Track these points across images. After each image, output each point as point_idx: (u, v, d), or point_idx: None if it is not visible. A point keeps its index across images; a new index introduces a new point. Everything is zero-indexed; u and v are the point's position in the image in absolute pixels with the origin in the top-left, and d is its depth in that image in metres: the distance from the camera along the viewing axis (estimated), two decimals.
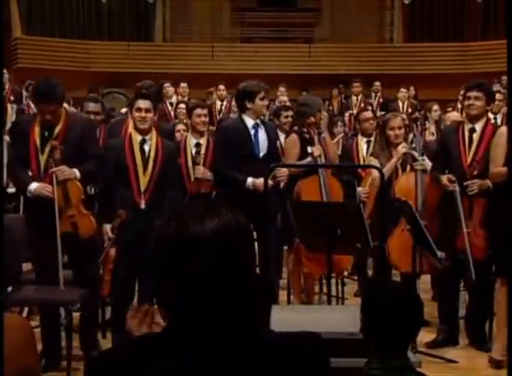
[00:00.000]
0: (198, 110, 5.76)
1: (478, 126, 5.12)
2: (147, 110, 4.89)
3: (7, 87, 11.65)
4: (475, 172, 4.95)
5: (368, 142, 6.27)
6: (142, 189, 4.83)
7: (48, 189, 4.45)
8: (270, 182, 5.17)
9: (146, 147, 4.89)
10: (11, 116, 6.14)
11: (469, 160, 5.06)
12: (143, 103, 4.88)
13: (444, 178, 5.00)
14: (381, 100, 11.98)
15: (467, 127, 5.14)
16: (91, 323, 4.74)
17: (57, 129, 4.55)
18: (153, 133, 4.95)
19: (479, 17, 15.10)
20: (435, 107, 8.80)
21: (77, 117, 4.89)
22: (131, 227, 4.69)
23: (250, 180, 5.38)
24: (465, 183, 4.94)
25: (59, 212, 4.42)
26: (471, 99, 5.09)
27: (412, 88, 11.67)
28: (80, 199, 4.52)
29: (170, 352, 1.39)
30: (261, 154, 5.54)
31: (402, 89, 11.26)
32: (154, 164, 4.87)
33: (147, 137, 4.90)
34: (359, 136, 6.45)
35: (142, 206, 4.80)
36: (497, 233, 4.81)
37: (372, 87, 12.34)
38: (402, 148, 5.43)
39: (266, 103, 5.72)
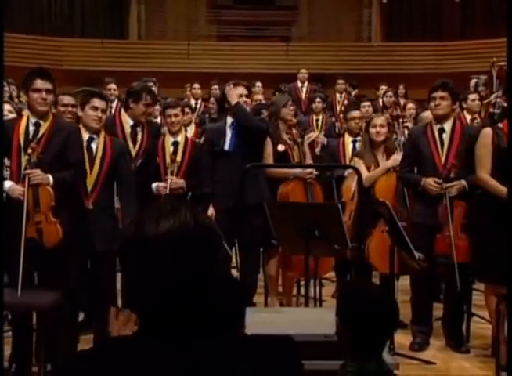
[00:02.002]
0: (169, 111, 5.79)
1: (447, 126, 5.17)
2: (103, 110, 4.90)
3: None
4: (452, 175, 4.99)
5: (354, 142, 6.27)
6: (89, 188, 4.81)
7: (19, 192, 4.42)
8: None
9: (94, 146, 4.86)
10: None
11: (442, 160, 5.09)
12: (99, 103, 4.86)
13: (430, 181, 5.02)
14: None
15: (436, 127, 5.18)
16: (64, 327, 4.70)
17: (42, 131, 4.53)
18: (102, 132, 4.93)
19: (457, 17, 15.24)
20: (409, 105, 8.89)
21: (64, 122, 4.85)
22: (80, 227, 4.67)
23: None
24: (443, 186, 4.97)
25: (26, 217, 4.38)
26: (437, 99, 5.15)
27: (401, 87, 11.67)
28: (49, 206, 4.46)
29: (137, 354, 1.38)
30: (233, 151, 5.57)
31: (383, 87, 11.25)
32: (101, 164, 4.83)
33: (95, 135, 4.87)
34: (346, 136, 6.43)
35: (90, 206, 4.78)
36: (480, 240, 4.86)
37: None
38: (392, 161, 5.46)
39: (244, 99, 5.72)
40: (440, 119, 5.17)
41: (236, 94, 5.59)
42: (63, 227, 4.51)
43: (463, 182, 4.96)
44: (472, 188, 4.98)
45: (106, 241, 4.67)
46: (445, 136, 5.15)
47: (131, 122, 5.64)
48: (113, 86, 9.67)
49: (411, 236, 4.87)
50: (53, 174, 4.48)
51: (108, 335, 1.66)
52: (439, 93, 5.15)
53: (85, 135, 4.86)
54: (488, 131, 4.86)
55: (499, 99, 8.42)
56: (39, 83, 4.51)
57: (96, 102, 4.79)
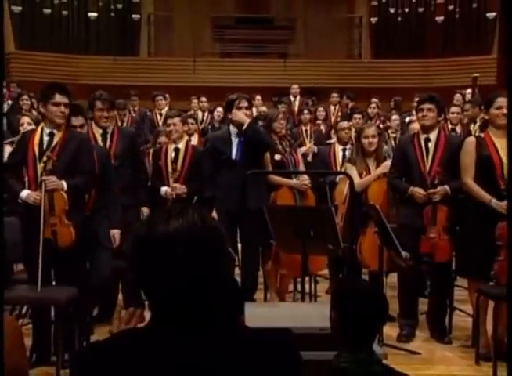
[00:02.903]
0: (169, 120, 5.86)
1: (433, 136, 5.17)
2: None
3: (6, 93, 11.62)
4: (436, 181, 4.99)
5: (344, 150, 6.28)
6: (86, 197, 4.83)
7: (35, 197, 4.42)
8: None
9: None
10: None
11: (427, 167, 5.09)
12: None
13: (418, 190, 5.01)
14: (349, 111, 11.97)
15: (422, 137, 5.18)
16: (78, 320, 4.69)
17: (56, 140, 4.53)
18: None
19: (439, 36, 15.23)
20: (394, 117, 8.93)
21: (76, 132, 4.84)
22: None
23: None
24: (428, 191, 4.97)
25: (42, 219, 4.38)
26: (424, 110, 5.15)
27: (392, 103, 11.68)
28: (64, 209, 4.46)
29: (146, 344, 1.38)
30: (239, 161, 5.57)
31: (374, 100, 11.23)
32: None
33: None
34: (336, 144, 6.45)
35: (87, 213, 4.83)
36: (464, 239, 4.85)
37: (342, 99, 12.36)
38: (383, 168, 5.45)
39: (245, 112, 5.72)
40: (426, 129, 5.18)
41: (243, 114, 5.62)
42: (76, 229, 4.52)
43: (447, 187, 4.96)
44: (454, 193, 4.98)
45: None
46: (431, 145, 5.15)
47: (100, 130, 5.53)
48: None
49: (398, 237, 4.88)
50: (67, 180, 4.49)
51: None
52: (426, 105, 5.15)
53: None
54: (471, 140, 4.87)
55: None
56: (58, 97, 4.49)
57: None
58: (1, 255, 1.43)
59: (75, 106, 5.10)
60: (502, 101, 4.77)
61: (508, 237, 4.27)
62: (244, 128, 5.57)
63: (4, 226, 1.42)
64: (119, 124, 8.20)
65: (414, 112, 9.95)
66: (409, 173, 5.15)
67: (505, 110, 4.78)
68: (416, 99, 10.20)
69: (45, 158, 4.45)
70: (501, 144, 4.74)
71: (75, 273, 4.56)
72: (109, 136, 5.45)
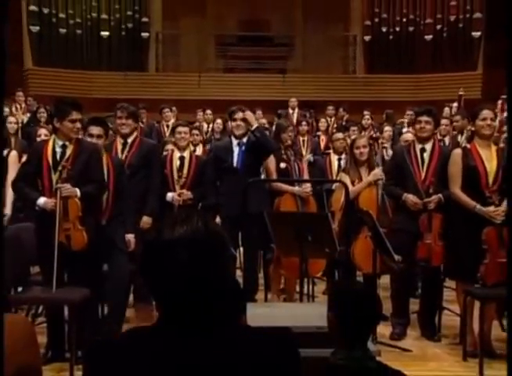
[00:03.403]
0: (179, 128, 5.88)
1: (428, 146, 5.17)
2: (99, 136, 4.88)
3: (23, 107, 11.66)
4: (431, 190, 4.98)
5: (339, 160, 6.28)
6: (104, 206, 4.83)
7: (52, 204, 4.43)
8: None
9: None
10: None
11: (422, 176, 5.09)
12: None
13: (411, 198, 5.00)
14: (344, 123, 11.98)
15: (418, 147, 5.17)
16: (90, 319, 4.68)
17: (68, 152, 4.54)
18: (105, 155, 4.90)
19: (428, 53, 15.28)
20: (386, 128, 8.95)
21: (86, 143, 4.84)
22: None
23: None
24: (424, 200, 4.96)
25: (57, 224, 4.38)
26: (422, 123, 5.14)
27: (384, 115, 11.69)
28: (77, 215, 4.47)
29: (151, 345, 1.38)
30: (240, 168, 5.58)
31: (366, 112, 11.24)
32: (108, 184, 4.83)
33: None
34: (331, 154, 6.45)
35: (103, 222, 4.83)
36: (453, 244, 4.84)
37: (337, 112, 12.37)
38: (373, 176, 5.44)
39: (237, 122, 5.74)
40: (423, 140, 5.17)
41: (252, 116, 5.79)
42: (88, 234, 4.52)
43: (441, 196, 4.95)
44: (447, 201, 4.97)
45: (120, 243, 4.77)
46: (426, 155, 5.14)
47: (122, 140, 5.55)
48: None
49: (393, 241, 4.87)
50: (80, 188, 4.49)
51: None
52: (424, 118, 5.14)
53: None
54: (458, 152, 4.87)
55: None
56: (75, 114, 4.52)
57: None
58: (1, 257, 1.41)
59: (97, 118, 5.17)
60: (486, 113, 4.77)
61: (508, 238, 4.26)
62: (252, 129, 5.65)
63: (4, 230, 1.41)
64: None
65: (406, 124, 10.02)
66: (405, 181, 5.12)
67: (489, 121, 4.79)
68: (410, 112, 10.31)
69: (60, 168, 4.46)
70: (486, 155, 4.75)
71: (87, 275, 4.56)
72: (128, 146, 5.46)
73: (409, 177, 5.09)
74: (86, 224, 4.51)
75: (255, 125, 5.73)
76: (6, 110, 9.11)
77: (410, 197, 5.01)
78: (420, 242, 4.97)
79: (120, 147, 5.46)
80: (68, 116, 4.49)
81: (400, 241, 4.98)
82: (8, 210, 5.44)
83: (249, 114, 5.73)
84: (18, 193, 4.88)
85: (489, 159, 4.74)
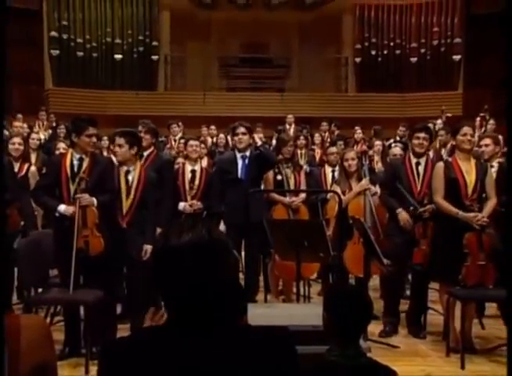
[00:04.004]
0: (191, 142, 5.92)
1: (423, 160, 5.17)
2: (120, 146, 4.85)
3: (45, 124, 11.69)
4: (425, 201, 4.98)
5: (333, 171, 6.28)
6: (124, 211, 4.77)
7: (72, 210, 4.43)
8: None
9: (130, 177, 4.82)
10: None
11: (418, 188, 5.08)
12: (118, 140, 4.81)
13: (404, 216, 4.99)
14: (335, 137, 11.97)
15: (413, 161, 5.16)
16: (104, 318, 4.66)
17: (85, 165, 4.55)
18: (138, 164, 4.88)
19: (413, 74, 15.32)
20: (377, 143, 8.95)
21: (100, 157, 4.86)
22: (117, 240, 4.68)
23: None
24: (420, 210, 4.94)
25: (76, 231, 4.39)
26: (420, 139, 5.14)
27: (373, 129, 11.71)
28: (94, 223, 4.47)
29: (161, 344, 1.38)
30: (244, 180, 5.58)
31: (357, 127, 11.25)
32: (135, 192, 4.78)
33: (131, 168, 4.83)
34: (326, 166, 6.44)
35: (124, 225, 4.76)
36: (436, 249, 4.84)
37: (331, 127, 12.39)
38: (359, 187, 5.42)
39: (239, 136, 5.74)
40: (419, 155, 5.17)
41: (258, 137, 5.93)
42: (105, 240, 4.51)
43: (433, 206, 4.94)
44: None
45: (137, 252, 4.65)
46: (421, 168, 5.13)
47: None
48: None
49: (387, 246, 4.86)
50: (96, 197, 4.50)
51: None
52: (422, 134, 5.14)
53: (124, 168, 4.84)
54: (440, 165, 4.87)
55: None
56: (91, 130, 4.53)
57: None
58: (1, 259, 1.40)
59: (127, 131, 5.18)
60: (466, 129, 4.78)
61: (507, 246, 4.22)
62: (258, 144, 5.75)
63: (6, 233, 1.41)
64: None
65: (398, 138, 10.02)
66: (401, 192, 5.09)
67: (469, 137, 4.80)
68: (403, 128, 10.32)
69: (77, 179, 4.47)
70: (466, 167, 4.76)
71: (103, 278, 4.55)
72: (143, 159, 5.45)
73: (406, 189, 5.08)
74: (103, 231, 4.52)
75: (260, 142, 5.78)
76: (24, 125, 9.12)
77: (404, 215, 5.00)
78: (416, 248, 4.96)
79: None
80: (85, 131, 4.51)
81: (393, 246, 4.99)
82: (38, 221, 5.48)
83: (255, 135, 5.78)
84: (37, 201, 4.89)
85: (469, 171, 4.75)
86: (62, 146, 6.10)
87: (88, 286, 4.48)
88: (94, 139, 4.62)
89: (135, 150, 4.83)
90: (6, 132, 7.98)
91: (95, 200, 4.47)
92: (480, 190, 4.72)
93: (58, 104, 13.96)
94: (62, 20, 14.78)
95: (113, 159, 5.11)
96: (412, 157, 5.19)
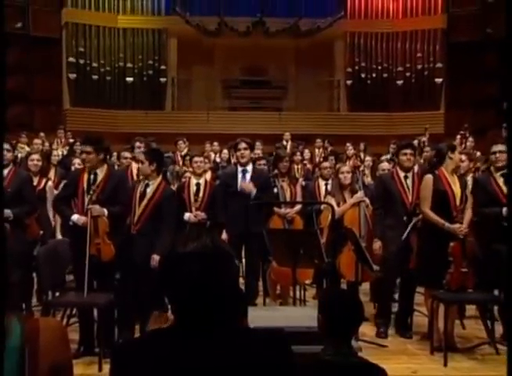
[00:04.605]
0: (195, 158, 5.92)
1: (409, 174, 5.17)
2: (141, 162, 4.89)
3: (63, 141, 11.73)
4: (417, 211, 4.98)
5: (326, 184, 6.28)
6: (135, 219, 4.75)
7: (83, 220, 4.43)
8: None
9: (148, 190, 4.79)
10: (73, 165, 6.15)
11: (410, 199, 5.06)
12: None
13: (376, 246, 4.98)
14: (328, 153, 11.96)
15: (401, 175, 5.16)
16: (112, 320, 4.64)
17: (99, 178, 4.56)
18: (157, 179, 4.84)
19: (399, 95, 15.38)
20: (367, 158, 8.98)
21: (115, 171, 4.86)
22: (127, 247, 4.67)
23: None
24: (414, 220, 4.93)
25: (89, 239, 4.39)
26: (408, 154, 5.16)
27: (362, 145, 11.74)
28: (105, 231, 4.48)
29: (168, 344, 1.38)
30: (243, 192, 5.58)
31: (348, 144, 11.26)
32: (148, 202, 4.75)
33: (150, 182, 4.82)
34: (319, 179, 6.44)
35: (134, 232, 4.74)
36: (421, 256, 4.84)
37: (324, 144, 12.39)
38: (355, 198, 5.42)
39: (241, 152, 5.74)
40: (407, 169, 5.18)
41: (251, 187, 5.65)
42: (116, 247, 4.50)
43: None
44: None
45: (146, 259, 4.59)
46: (409, 181, 5.13)
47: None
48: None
49: (383, 254, 4.87)
50: (108, 208, 4.49)
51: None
52: (409, 150, 5.17)
53: (143, 183, 4.86)
54: (429, 177, 4.86)
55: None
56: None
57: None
58: (2, 261, 1.41)
59: (148, 149, 5.23)
60: (463, 156, 4.95)
61: (508, 242, 4.21)
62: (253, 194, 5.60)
63: (6, 236, 1.41)
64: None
65: (390, 155, 10.03)
66: (394, 205, 5.06)
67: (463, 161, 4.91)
68: (393, 146, 10.35)
69: (91, 191, 4.48)
70: (452, 180, 4.77)
71: (113, 282, 4.54)
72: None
73: (397, 201, 5.06)
74: (113, 239, 4.51)
75: (254, 192, 5.56)
76: (39, 142, 9.13)
77: (377, 246, 5.00)
78: (412, 255, 4.95)
79: (135, 172, 5.49)
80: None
81: (388, 254, 4.98)
82: (57, 231, 5.49)
83: (246, 185, 5.61)
84: (56, 209, 4.91)
85: (454, 184, 4.76)
86: (77, 161, 6.11)
87: (100, 290, 4.47)
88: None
89: (154, 166, 4.80)
90: (27, 148, 8.00)
91: (105, 211, 4.48)
92: (465, 201, 4.73)
93: (75, 123, 13.98)
94: (79, 47, 14.85)
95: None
96: (399, 171, 5.20)
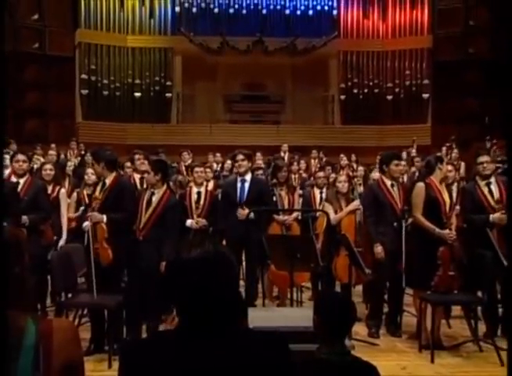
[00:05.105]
0: (196, 169, 5.89)
1: (395, 182, 5.17)
2: (148, 172, 4.89)
3: (75, 152, 11.74)
4: (406, 216, 4.98)
5: (321, 193, 6.27)
6: (141, 226, 4.73)
7: (88, 227, 4.53)
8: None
9: (153, 198, 4.79)
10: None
11: (399, 205, 5.05)
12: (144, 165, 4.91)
13: (378, 250, 4.93)
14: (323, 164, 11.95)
15: (388, 183, 5.14)
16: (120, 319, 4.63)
17: (106, 186, 4.58)
18: (162, 188, 4.82)
19: (390, 109, 15.44)
20: (360, 168, 8.97)
21: (122, 180, 4.85)
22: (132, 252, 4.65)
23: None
24: (404, 225, 4.91)
25: (91, 244, 4.44)
26: (400, 165, 5.18)
27: (353, 156, 11.75)
28: (103, 237, 4.46)
29: (173, 344, 1.39)
30: (243, 201, 5.57)
31: (342, 155, 11.26)
32: (154, 211, 4.73)
33: (156, 191, 4.81)
34: (315, 188, 6.43)
35: (139, 238, 4.72)
36: (411, 259, 4.83)
37: (319, 155, 12.40)
38: (352, 206, 5.41)
39: (239, 163, 5.74)
40: (396, 179, 5.18)
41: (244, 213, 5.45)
42: (114, 252, 4.45)
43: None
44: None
45: (150, 263, 4.54)
46: (396, 189, 5.11)
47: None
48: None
49: (373, 257, 4.86)
50: (109, 215, 4.47)
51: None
52: (402, 162, 5.21)
53: (149, 191, 4.85)
54: (421, 185, 4.84)
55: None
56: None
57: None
58: (2, 261, 1.41)
59: (154, 160, 5.23)
60: (450, 167, 5.06)
61: (508, 243, 4.20)
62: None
63: (5, 232, 1.41)
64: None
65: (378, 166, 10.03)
66: (384, 211, 5.03)
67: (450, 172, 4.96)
68: (379, 157, 10.34)
69: (93, 199, 4.52)
70: (442, 188, 4.79)
71: (120, 285, 4.53)
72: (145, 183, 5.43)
73: (387, 208, 5.04)
74: (113, 244, 4.46)
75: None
76: (52, 153, 9.12)
77: (379, 250, 4.92)
78: (400, 258, 4.94)
79: (138, 181, 5.51)
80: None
81: (380, 258, 4.97)
82: (64, 235, 5.48)
83: (241, 213, 5.44)
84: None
85: (444, 192, 4.78)
86: (90, 171, 6.11)
87: (107, 291, 4.45)
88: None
89: (159, 176, 4.81)
90: (42, 159, 8.01)
91: (104, 218, 4.47)
92: (454, 208, 4.76)
93: (86, 135, 14.00)
94: (91, 65, 14.92)
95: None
96: (386, 180, 5.17)
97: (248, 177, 5.73)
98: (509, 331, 4.00)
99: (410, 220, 4.93)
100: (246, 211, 5.26)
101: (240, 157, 5.74)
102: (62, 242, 5.40)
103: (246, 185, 5.65)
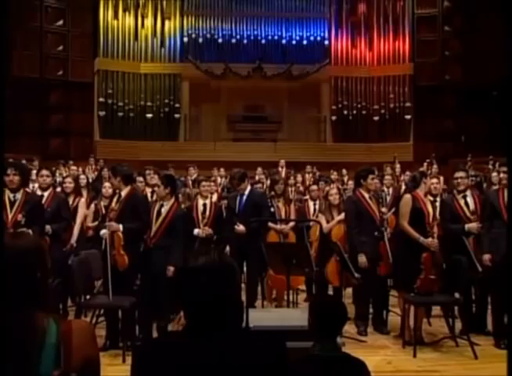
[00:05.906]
0: (203, 183, 5.88)
1: (371, 195, 5.16)
2: (158, 186, 4.91)
3: (93, 167, 11.76)
4: (385, 225, 4.98)
5: (314, 204, 6.27)
6: (152, 234, 4.73)
7: (105, 236, 4.51)
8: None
9: (163, 209, 4.79)
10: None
11: (378, 216, 5.05)
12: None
13: (363, 259, 4.89)
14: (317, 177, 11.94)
15: (366, 196, 5.11)
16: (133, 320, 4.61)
17: (121, 198, 4.59)
18: (171, 201, 4.82)
19: (376, 129, 15.52)
20: (350, 182, 8.98)
21: (136, 194, 4.84)
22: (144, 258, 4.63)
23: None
24: (386, 233, 4.93)
25: (109, 251, 4.44)
26: (375, 179, 5.19)
27: (344, 170, 11.78)
28: (120, 244, 4.45)
29: (181, 344, 1.39)
30: (241, 212, 5.55)
31: (332, 171, 11.29)
32: (163, 220, 4.74)
33: (165, 203, 4.82)
34: (309, 200, 6.43)
35: (150, 245, 4.71)
36: (397, 264, 4.83)
37: (313, 170, 12.39)
38: (340, 217, 5.39)
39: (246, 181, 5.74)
40: (373, 190, 5.20)
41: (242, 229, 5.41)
42: (130, 258, 4.45)
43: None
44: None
45: (160, 268, 4.55)
46: (373, 201, 5.13)
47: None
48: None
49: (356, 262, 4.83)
50: (124, 224, 4.47)
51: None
52: (376, 176, 5.23)
53: (159, 203, 4.83)
54: (408, 196, 4.83)
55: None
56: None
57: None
58: (2, 261, 1.42)
59: (164, 175, 5.22)
60: (435, 180, 5.10)
61: (508, 244, 4.18)
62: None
63: (4, 231, 1.42)
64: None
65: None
66: (363, 223, 5.00)
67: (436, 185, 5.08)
68: (356, 173, 10.33)
69: (110, 210, 4.53)
70: (426, 201, 4.82)
71: (133, 288, 4.52)
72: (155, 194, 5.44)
73: (367, 219, 5.03)
74: (128, 250, 4.45)
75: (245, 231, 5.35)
76: (74, 168, 9.14)
77: (364, 259, 4.88)
78: (381, 262, 4.94)
79: (149, 195, 5.50)
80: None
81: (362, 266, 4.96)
82: (74, 240, 5.46)
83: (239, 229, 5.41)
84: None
85: (428, 204, 4.79)
86: (107, 185, 6.13)
87: (121, 294, 4.44)
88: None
89: (168, 189, 4.82)
90: (64, 174, 8.02)
91: (120, 227, 4.48)
92: (436, 219, 4.77)
93: (103, 152, 14.03)
94: (108, 89, 15.02)
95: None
96: (364, 193, 5.14)
97: (247, 191, 5.72)
98: (509, 333, 3.97)
99: (389, 230, 4.92)
100: (241, 227, 5.29)
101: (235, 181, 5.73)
102: (73, 240, 5.37)
103: (244, 197, 5.65)
